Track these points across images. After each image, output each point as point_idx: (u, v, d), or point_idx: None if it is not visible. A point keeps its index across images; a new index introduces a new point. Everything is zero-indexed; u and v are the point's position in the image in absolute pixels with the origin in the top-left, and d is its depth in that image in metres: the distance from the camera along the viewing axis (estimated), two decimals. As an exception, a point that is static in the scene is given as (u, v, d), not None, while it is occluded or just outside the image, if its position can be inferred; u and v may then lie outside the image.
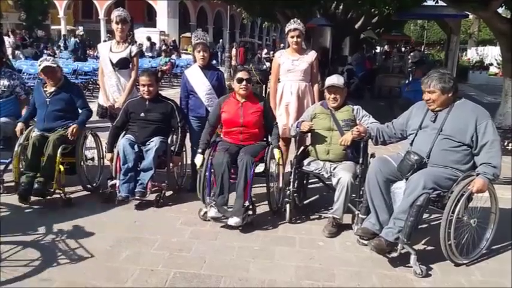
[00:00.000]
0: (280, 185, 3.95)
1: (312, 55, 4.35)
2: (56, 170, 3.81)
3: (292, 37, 4.21)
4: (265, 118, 3.87)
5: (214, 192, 3.57)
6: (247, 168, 3.52)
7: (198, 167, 3.75)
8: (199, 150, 3.80)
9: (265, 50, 22.55)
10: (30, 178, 3.77)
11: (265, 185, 3.73)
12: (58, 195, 3.90)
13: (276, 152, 3.77)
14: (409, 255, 2.97)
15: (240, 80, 3.76)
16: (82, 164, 4.20)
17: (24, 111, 4.37)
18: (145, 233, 3.42)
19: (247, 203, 3.51)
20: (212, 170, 3.63)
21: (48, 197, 3.89)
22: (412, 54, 15.67)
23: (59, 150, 3.83)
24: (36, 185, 3.74)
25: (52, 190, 3.84)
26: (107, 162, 4.35)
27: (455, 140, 3.02)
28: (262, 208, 3.88)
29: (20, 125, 4.11)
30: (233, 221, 3.43)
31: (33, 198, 3.85)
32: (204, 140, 3.86)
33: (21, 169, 3.89)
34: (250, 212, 3.58)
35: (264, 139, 3.95)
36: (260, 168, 3.73)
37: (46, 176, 3.80)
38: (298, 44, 4.25)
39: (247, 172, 3.52)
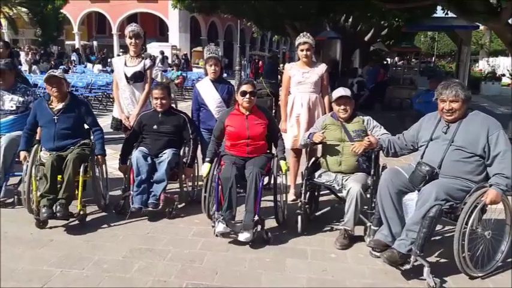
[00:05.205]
0: (290, 197, 3.90)
1: (322, 67, 4.39)
2: (79, 190, 3.72)
3: (302, 50, 4.27)
4: (270, 130, 3.86)
5: (222, 207, 3.50)
6: (257, 181, 3.47)
7: (204, 175, 3.76)
8: (207, 159, 3.84)
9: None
10: (51, 201, 3.59)
11: (270, 197, 3.71)
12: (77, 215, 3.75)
13: (282, 163, 3.74)
14: (422, 267, 2.94)
15: (243, 93, 3.75)
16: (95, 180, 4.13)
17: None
18: (157, 244, 3.45)
19: (256, 217, 3.41)
20: (220, 184, 3.55)
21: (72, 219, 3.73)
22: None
23: (81, 169, 3.76)
24: (58, 208, 3.56)
25: (78, 212, 3.70)
26: (110, 175, 4.34)
27: (467, 150, 3.00)
28: (273, 220, 3.84)
29: (23, 154, 3.92)
30: (243, 236, 3.35)
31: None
32: (212, 150, 3.89)
33: (39, 191, 3.65)
34: (259, 227, 3.47)
35: (268, 151, 3.93)
36: (265, 181, 3.69)
37: (67, 197, 3.64)
38: (308, 57, 4.31)
39: (257, 185, 3.47)
